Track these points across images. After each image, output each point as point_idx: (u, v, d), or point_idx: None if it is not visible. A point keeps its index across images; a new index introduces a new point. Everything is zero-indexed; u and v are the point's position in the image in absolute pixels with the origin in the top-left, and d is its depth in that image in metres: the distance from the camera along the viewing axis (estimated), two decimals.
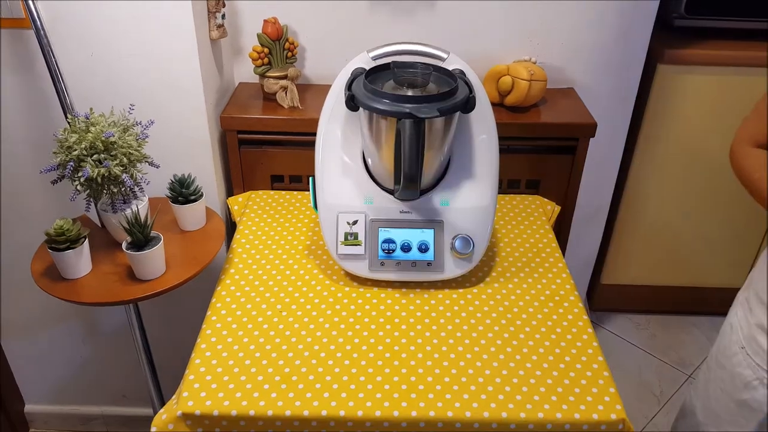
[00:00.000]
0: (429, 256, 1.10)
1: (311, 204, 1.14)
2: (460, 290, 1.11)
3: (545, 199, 1.38)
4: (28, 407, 1.69)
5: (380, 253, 1.10)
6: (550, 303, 1.09)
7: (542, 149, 1.38)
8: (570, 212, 1.43)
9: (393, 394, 0.91)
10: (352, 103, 1.03)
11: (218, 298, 1.08)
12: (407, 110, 0.96)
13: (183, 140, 1.27)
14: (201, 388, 0.92)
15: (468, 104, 1.03)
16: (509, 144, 1.35)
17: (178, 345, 1.48)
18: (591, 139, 1.35)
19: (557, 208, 1.39)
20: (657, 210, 1.89)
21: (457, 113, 1.05)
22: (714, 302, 2.12)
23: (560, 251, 1.22)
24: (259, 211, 1.31)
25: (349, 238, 1.10)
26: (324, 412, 0.88)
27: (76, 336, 1.54)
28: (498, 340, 1.01)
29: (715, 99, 1.69)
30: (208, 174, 1.31)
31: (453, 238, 1.10)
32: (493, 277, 1.15)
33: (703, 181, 1.83)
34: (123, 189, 1.07)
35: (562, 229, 1.44)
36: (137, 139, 1.06)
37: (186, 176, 1.17)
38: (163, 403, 1.36)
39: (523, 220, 1.31)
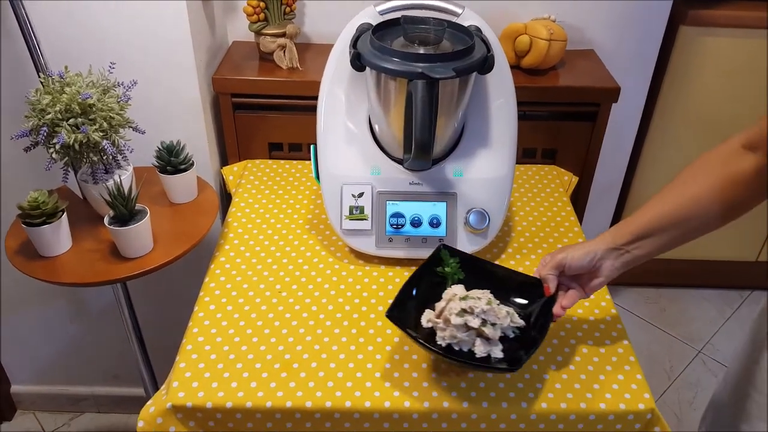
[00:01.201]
0: (441, 231, 1.01)
1: (313, 175, 1.04)
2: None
3: (562, 170, 1.29)
4: (15, 388, 1.61)
5: (388, 228, 1.01)
6: None
7: (560, 115, 1.29)
8: (587, 183, 1.34)
9: (403, 382, 0.83)
10: (357, 62, 0.92)
11: (212, 277, 0.99)
12: (419, 70, 0.86)
13: (171, 104, 1.17)
14: (193, 378, 0.83)
15: (486, 64, 0.92)
16: (525, 110, 1.25)
17: (170, 323, 1.40)
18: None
19: (574, 179, 1.30)
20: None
21: (473, 74, 0.95)
22: (725, 276, 2.05)
23: (579, 225, 1.13)
24: (256, 182, 1.21)
25: (354, 212, 1.00)
26: (328, 404, 0.80)
27: (62, 314, 1.46)
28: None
29: (739, 64, 1.59)
30: (199, 141, 1.21)
31: (467, 212, 1.01)
32: (509, 253, 1.06)
33: None
34: (104, 157, 0.97)
35: (578, 202, 1.35)
36: (119, 102, 0.96)
37: (175, 143, 1.07)
38: (155, 384, 1.29)
39: (539, 191, 1.22)
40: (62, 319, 1.47)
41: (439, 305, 0.83)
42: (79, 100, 0.92)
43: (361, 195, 1.01)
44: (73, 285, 0.93)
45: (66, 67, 0.95)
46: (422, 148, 0.90)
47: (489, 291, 0.84)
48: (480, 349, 0.79)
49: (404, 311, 0.84)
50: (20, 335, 1.49)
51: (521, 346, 0.81)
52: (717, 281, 2.08)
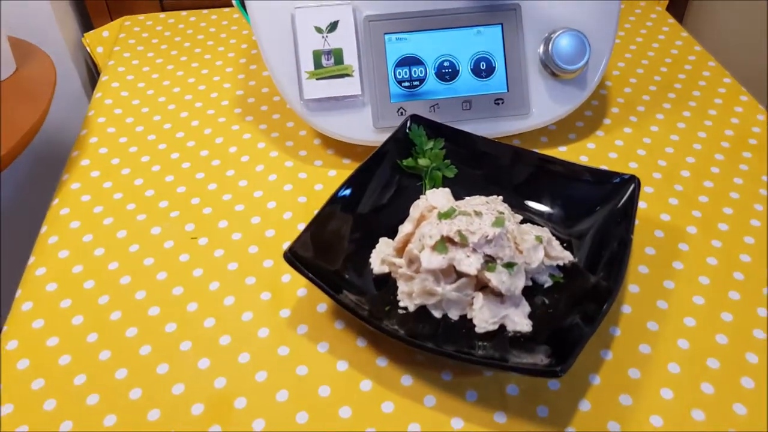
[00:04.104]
0: (497, 83, 0.52)
1: (235, 3, 0.53)
2: (564, 149, 0.55)
3: None
4: None
5: (394, 87, 0.51)
6: (746, 152, 0.54)
7: None
8: None
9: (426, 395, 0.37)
10: None
11: (53, 224, 0.49)
12: None
13: None
14: None
15: None
16: None
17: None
18: None
19: None
20: None
21: None
22: None
23: (711, 56, 0.66)
24: (140, 46, 0.69)
25: (323, 61, 0.50)
26: None
27: None
28: (680, 244, 0.46)
29: None
30: None
31: (546, 40, 0.52)
32: (616, 116, 0.58)
33: None
34: None
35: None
36: None
37: None
38: None
39: (627, 9, 0.73)
40: None
41: (402, 230, 0.43)
42: None
43: (333, 27, 0.50)
44: None
45: None
46: None
47: (501, 198, 0.45)
48: (483, 317, 0.40)
49: (333, 245, 0.44)
50: None
51: (578, 308, 0.40)
52: None
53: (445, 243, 0.40)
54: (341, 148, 0.54)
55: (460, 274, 0.40)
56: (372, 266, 0.44)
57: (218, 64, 0.65)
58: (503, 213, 0.42)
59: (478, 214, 0.41)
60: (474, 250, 0.40)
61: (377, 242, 0.45)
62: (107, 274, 0.45)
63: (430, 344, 0.38)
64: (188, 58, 0.67)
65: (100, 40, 0.73)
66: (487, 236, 0.40)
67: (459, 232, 0.40)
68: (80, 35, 0.76)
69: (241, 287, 0.44)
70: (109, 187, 0.52)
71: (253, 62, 0.66)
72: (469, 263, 0.39)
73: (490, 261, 0.40)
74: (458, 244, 0.40)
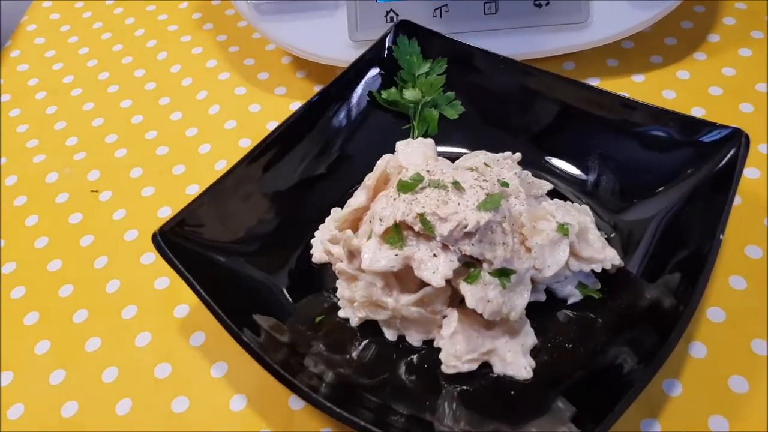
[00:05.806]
0: None
1: None
2: (640, 78, 0.36)
3: None
4: None
5: None
6: None
7: None
8: None
9: None
10: None
11: None
12: None
13: None
14: None
15: None
16: None
17: None
18: None
19: None
20: None
21: None
22: None
23: None
24: None
25: None
26: None
27: None
28: None
29: None
30: None
31: None
32: (729, 30, 0.38)
33: None
34: None
35: None
36: None
37: None
38: None
39: None
40: None
41: (351, 203, 0.29)
42: None
43: None
44: None
45: None
46: None
47: (519, 157, 0.29)
48: (455, 351, 0.25)
49: (247, 220, 0.30)
50: None
51: (622, 337, 0.25)
52: None
53: (401, 232, 0.25)
54: (316, 71, 0.39)
55: (423, 281, 0.25)
56: (312, 251, 0.30)
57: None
58: (507, 184, 0.26)
59: (457, 186, 0.25)
60: (444, 247, 0.25)
61: (326, 216, 0.31)
62: None
63: (373, 400, 0.24)
64: None
65: None
66: (465, 225, 0.24)
67: (422, 216, 0.25)
68: None
69: (134, 267, 0.32)
70: (15, 116, 0.41)
71: None
72: (433, 268, 0.24)
73: (471, 264, 0.25)
74: (421, 235, 0.25)
